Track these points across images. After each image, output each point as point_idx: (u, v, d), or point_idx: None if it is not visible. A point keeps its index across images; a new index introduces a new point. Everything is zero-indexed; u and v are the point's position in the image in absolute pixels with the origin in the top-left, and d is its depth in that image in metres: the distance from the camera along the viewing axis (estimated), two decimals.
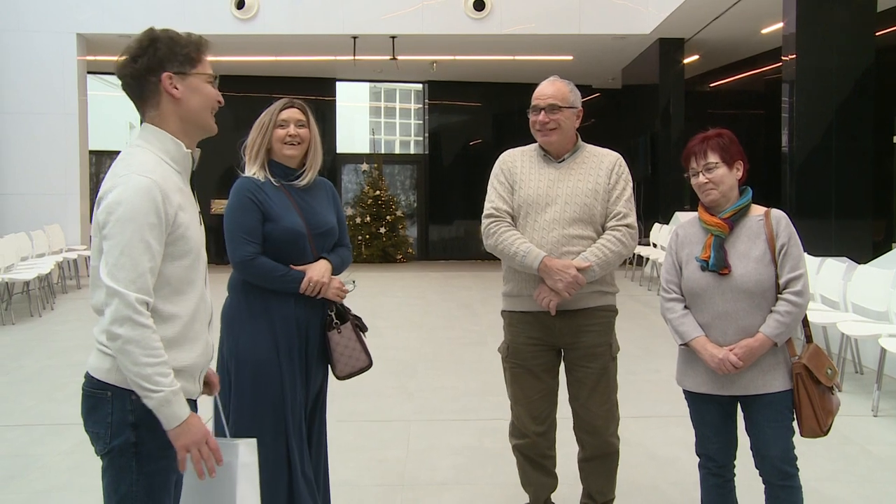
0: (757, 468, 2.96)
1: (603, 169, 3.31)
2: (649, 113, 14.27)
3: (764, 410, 2.88)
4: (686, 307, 2.97)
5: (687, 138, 12.27)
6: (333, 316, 3.14)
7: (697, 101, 15.39)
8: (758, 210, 2.98)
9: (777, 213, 2.95)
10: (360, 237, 17.09)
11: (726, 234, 2.91)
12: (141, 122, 2.26)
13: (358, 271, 15.14)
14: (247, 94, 17.70)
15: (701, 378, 2.93)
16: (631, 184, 3.35)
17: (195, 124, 2.23)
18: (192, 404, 2.18)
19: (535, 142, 3.40)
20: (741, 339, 2.84)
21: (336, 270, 3.15)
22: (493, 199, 3.35)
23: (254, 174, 3.13)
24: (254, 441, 2.34)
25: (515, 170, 3.36)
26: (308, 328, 3.09)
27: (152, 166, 2.10)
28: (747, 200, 2.96)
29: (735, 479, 3.06)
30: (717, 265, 2.87)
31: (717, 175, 2.89)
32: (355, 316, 3.21)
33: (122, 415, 2.05)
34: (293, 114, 3.19)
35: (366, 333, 3.25)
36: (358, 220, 17.17)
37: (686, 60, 14.00)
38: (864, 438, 4.85)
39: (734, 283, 2.86)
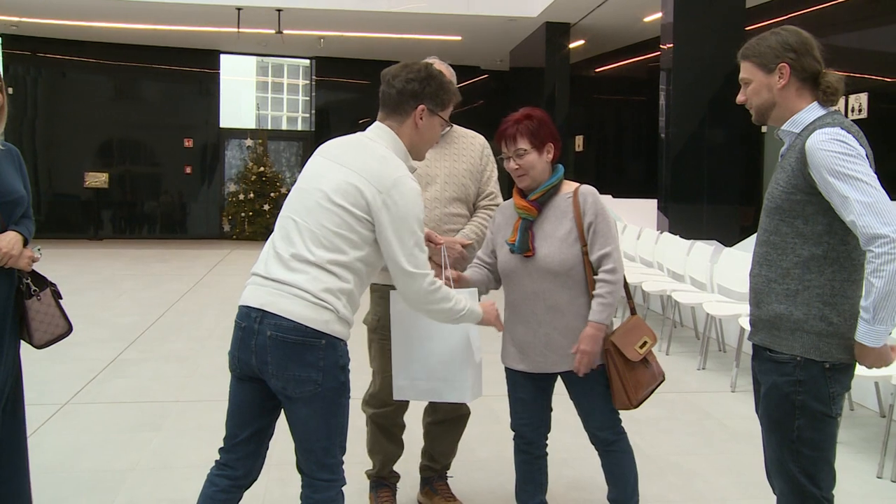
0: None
1: (475, 151, 3.42)
2: (536, 96, 14.45)
3: (581, 385, 2.95)
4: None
5: (571, 122, 12.50)
6: (30, 283, 3.02)
7: (582, 86, 15.69)
8: (568, 188, 2.98)
9: (585, 190, 2.94)
10: (243, 214, 16.74)
11: (534, 217, 2.92)
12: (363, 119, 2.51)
13: (240, 248, 14.82)
14: (126, 63, 17.05)
15: (517, 356, 2.98)
16: (496, 165, 3.46)
17: (416, 149, 2.63)
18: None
19: None
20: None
21: (24, 242, 3.01)
22: None
23: None
24: (474, 290, 2.85)
25: None
26: None
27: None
28: (556, 180, 2.95)
29: (546, 456, 3.14)
30: (521, 248, 2.90)
31: (526, 161, 2.88)
32: (52, 283, 3.11)
33: (335, 359, 2.40)
34: None
35: (62, 300, 3.15)
36: (241, 196, 16.80)
37: (572, 45, 14.24)
38: (722, 413, 5.06)
39: (538, 265, 2.88)
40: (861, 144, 2.22)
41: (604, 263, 2.85)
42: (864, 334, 2.20)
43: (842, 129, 2.22)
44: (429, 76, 2.59)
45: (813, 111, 2.34)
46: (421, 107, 2.56)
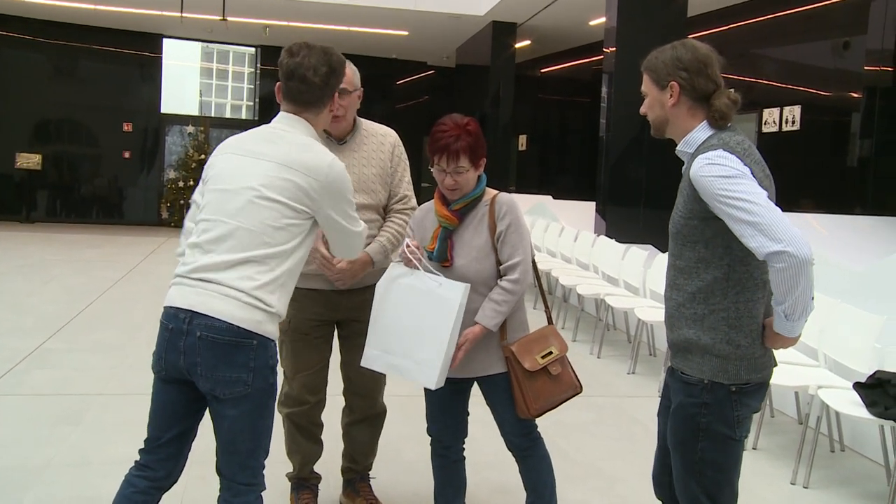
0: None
1: (385, 150, 3.35)
2: (481, 94, 14.50)
3: (493, 391, 2.97)
4: None
5: (515, 121, 12.45)
6: None
7: (527, 86, 15.79)
8: (488, 195, 2.94)
9: (501, 199, 2.92)
10: (182, 201, 16.46)
11: (455, 226, 2.91)
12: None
13: (177, 236, 14.54)
14: (65, 42, 16.59)
15: None
16: (408, 163, 3.42)
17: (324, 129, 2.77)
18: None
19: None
20: (472, 324, 2.85)
21: None
22: None
23: None
24: (468, 286, 2.77)
25: None
26: None
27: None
28: (480, 191, 2.93)
29: (464, 460, 3.16)
30: (439, 258, 2.89)
31: (463, 178, 2.86)
32: None
33: (265, 360, 2.38)
34: None
35: None
36: (181, 183, 16.51)
37: (518, 45, 14.31)
38: (648, 418, 5.13)
39: (457, 275, 2.87)
40: (746, 163, 2.17)
41: (510, 273, 2.84)
42: (783, 328, 2.21)
43: (724, 150, 2.18)
44: (339, 64, 2.62)
45: (704, 131, 2.30)
46: (336, 94, 2.63)
